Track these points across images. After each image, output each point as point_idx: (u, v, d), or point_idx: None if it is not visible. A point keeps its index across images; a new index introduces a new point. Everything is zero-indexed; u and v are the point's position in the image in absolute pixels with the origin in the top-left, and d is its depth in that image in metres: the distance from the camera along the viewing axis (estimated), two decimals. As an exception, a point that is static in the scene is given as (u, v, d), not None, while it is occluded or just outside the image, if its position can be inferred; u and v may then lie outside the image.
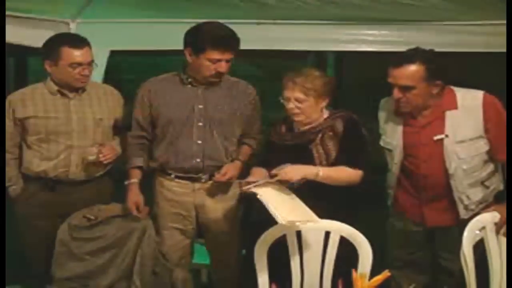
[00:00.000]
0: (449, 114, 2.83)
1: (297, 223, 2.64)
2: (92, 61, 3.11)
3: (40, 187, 3.16)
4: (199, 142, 3.06)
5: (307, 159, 2.87)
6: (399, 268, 2.92)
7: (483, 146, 2.84)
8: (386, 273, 2.14)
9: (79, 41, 3.09)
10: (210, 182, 3.11)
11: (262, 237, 2.69)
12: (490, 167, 2.89)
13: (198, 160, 3.07)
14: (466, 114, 2.81)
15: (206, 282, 3.75)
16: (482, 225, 2.75)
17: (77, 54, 3.05)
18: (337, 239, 2.68)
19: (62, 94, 3.13)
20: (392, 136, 2.94)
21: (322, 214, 2.69)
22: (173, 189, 3.15)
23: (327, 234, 2.70)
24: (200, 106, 3.06)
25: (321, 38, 3.71)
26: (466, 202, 2.86)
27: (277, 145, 2.99)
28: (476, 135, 2.81)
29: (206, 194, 3.14)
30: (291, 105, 2.87)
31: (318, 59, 4.56)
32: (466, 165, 2.82)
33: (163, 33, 3.68)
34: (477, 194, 2.87)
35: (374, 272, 2.39)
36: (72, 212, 3.14)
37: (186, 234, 3.21)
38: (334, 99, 2.96)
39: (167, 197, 3.16)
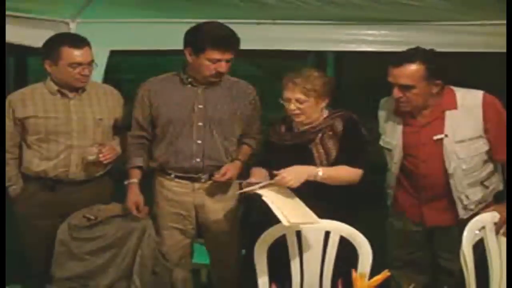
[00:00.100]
0: (448, 114, 2.83)
1: (301, 226, 2.65)
2: (92, 61, 3.11)
3: (40, 187, 3.16)
4: (199, 142, 3.06)
5: (307, 159, 2.87)
6: (398, 268, 2.92)
7: (482, 146, 2.84)
8: (385, 273, 2.14)
9: (79, 41, 3.09)
10: (210, 182, 3.11)
11: (262, 237, 2.69)
12: (490, 167, 2.89)
13: (198, 160, 3.07)
14: (465, 114, 2.81)
15: (206, 282, 3.75)
16: (482, 225, 2.75)
17: (77, 54, 3.05)
18: (337, 239, 2.68)
19: (62, 94, 3.13)
20: (392, 135, 2.94)
21: (322, 214, 2.70)
22: (173, 189, 3.15)
23: (327, 234, 2.70)
24: (200, 106, 3.06)
25: (321, 38, 3.72)
26: (466, 202, 2.86)
27: (276, 145, 2.99)
28: (476, 135, 2.81)
29: (206, 194, 3.13)
30: (292, 106, 2.86)
31: (318, 59, 4.56)
32: (465, 165, 2.82)
33: (163, 33, 3.69)
34: (476, 194, 2.87)
35: (373, 272, 2.39)
36: (72, 212, 3.13)
37: (186, 234, 3.21)
38: (334, 99, 2.96)
39: (167, 197, 3.16)
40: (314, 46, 3.87)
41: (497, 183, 2.94)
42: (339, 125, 2.89)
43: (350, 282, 2.12)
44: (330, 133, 2.89)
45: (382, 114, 3.02)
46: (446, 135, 2.82)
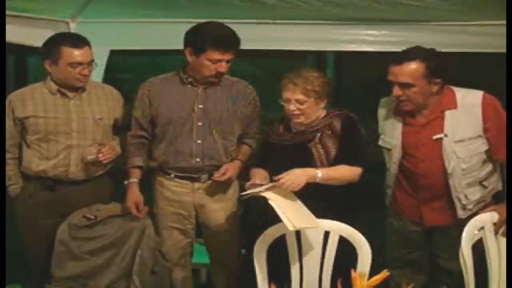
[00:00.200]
0: (448, 114, 2.83)
1: (305, 230, 2.66)
2: (92, 60, 3.11)
3: (40, 186, 3.16)
4: (199, 141, 3.06)
5: (307, 159, 2.87)
6: (398, 268, 2.93)
7: (481, 145, 2.84)
8: (385, 273, 2.14)
9: (79, 41, 3.08)
10: (210, 181, 3.11)
11: (261, 237, 2.69)
12: (489, 167, 2.90)
13: (198, 159, 3.07)
14: (465, 114, 2.81)
15: (206, 282, 3.75)
16: (481, 225, 2.75)
17: (77, 54, 3.04)
18: (336, 239, 2.69)
19: (62, 94, 3.13)
20: (391, 135, 2.94)
21: (321, 214, 2.70)
22: (173, 188, 3.15)
23: (327, 234, 2.70)
24: (200, 106, 3.06)
25: (321, 38, 3.72)
26: (464, 201, 2.86)
27: (275, 145, 2.98)
28: (475, 134, 2.82)
29: (206, 194, 3.14)
30: (292, 107, 2.86)
31: (318, 59, 4.57)
32: (464, 164, 2.82)
33: (163, 33, 3.69)
34: (475, 193, 2.87)
35: (373, 271, 2.39)
36: (72, 212, 3.13)
37: (185, 234, 3.21)
38: (334, 99, 2.96)
39: (167, 197, 3.16)
40: (314, 46, 3.87)
41: (495, 183, 2.94)
42: (337, 124, 2.89)
43: (350, 282, 2.12)
44: (329, 132, 2.89)
45: (381, 113, 3.02)
46: (445, 135, 2.82)
